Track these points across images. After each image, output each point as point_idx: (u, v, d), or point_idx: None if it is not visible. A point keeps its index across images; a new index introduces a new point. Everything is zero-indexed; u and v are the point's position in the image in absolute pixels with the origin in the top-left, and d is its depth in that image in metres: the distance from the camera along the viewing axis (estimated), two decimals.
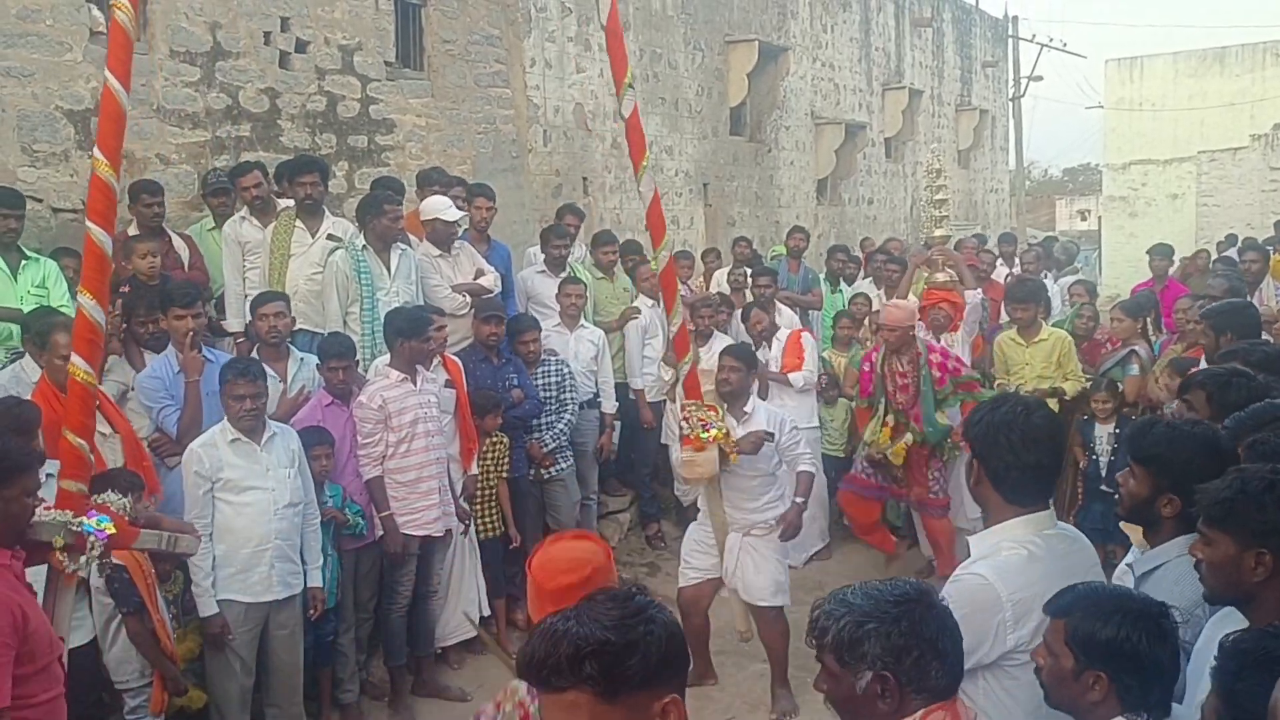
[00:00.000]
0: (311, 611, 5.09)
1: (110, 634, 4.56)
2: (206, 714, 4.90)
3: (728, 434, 5.49)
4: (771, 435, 5.61)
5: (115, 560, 4.38)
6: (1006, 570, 2.55)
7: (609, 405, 7.53)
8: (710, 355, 6.88)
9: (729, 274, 9.46)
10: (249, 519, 4.78)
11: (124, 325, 5.48)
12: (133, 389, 5.31)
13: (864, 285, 9.62)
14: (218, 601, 4.73)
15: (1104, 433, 7.05)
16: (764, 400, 6.57)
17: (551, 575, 2.49)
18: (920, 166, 16.62)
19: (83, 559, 3.53)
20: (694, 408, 5.53)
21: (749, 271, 9.26)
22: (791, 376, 7.73)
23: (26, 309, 5.36)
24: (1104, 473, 6.92)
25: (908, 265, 8.69)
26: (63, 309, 5.38)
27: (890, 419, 6.95)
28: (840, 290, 9.64)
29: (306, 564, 5.02)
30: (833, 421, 8.26)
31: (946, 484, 7.04)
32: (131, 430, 4.97)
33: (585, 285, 7.48)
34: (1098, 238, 27.40)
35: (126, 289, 5.63)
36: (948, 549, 6.98)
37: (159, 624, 4.50)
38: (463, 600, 6.06)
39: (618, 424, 7.73)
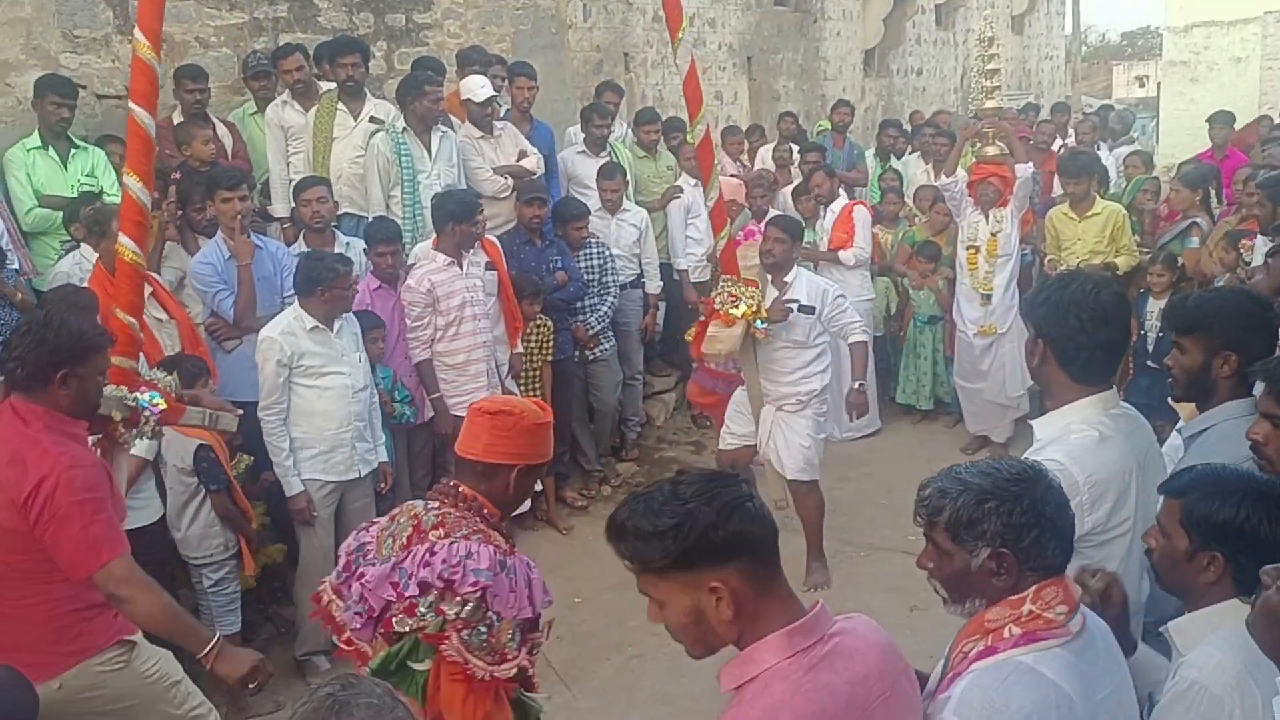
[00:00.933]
0: (382, 486, 5.28)
1: (190, 512, 4.74)
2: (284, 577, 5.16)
3: (759, 310, 5.49)
4: (797, 303, 5.56)
5: (200, 440, 4.57)
6: (1080, 452, 2.52)
7: (653, 285, 7.53)
8: None
9: (774, 150, 9.31)
10: (329, 402, 4.92)
11: (179, 212, 5.54)
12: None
13: (912, 160, 9.42)
14: (301, 480, 4.91)
15: (1156, 308, 6.95)
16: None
17: (479, 402, 2.84)
18: (972, 34, 16.04)
19: (135, 432, 3.67)
20: (729, 283, 5.55)
21: (795, 147, 9.11)
22: (841, 255, 7.67)
23: (75, 197, 5.43)
24: (1150, 348, 6.86)
25: (956, 139, 8.50)
26: (111, 197, 5.45)
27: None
28: (890, 165, 9.46)
29: (375, 443, 5.20)
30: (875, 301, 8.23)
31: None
32: (187, 316, 5.07)
33: (623, 174, 7.39)
34: (1156, 105, 26.48)
35: (178, 176, 5.68)
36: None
37: (240, 497, 4.69)
38: None
39: (662, 304, 7.75)
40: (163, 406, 3.70)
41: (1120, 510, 2.48)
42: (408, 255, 5.89)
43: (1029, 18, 20.18)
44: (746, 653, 1.84)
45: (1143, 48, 43.50)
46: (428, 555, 2.57)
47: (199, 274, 5.28)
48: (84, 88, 6.12)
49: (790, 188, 8.41)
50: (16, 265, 5.13)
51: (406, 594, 2.56)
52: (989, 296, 7.41)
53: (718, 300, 5.56)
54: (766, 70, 12.43)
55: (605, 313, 6.86)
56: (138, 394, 3.66)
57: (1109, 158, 10.19)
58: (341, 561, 2.76)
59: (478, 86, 6.58)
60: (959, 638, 2.07)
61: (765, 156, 9.35)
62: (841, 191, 8.25)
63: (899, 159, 9.66)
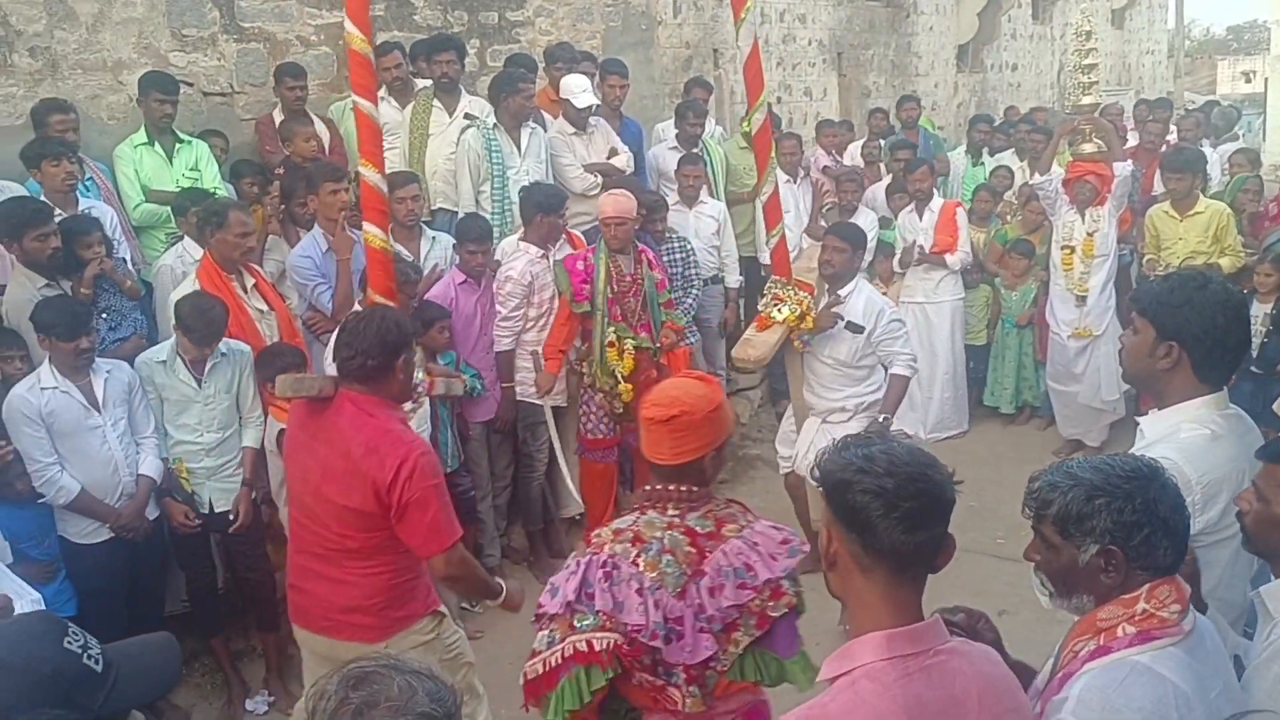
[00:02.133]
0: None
1: (284, 495, 4.87)
2: None
3: (803, 318, 5.20)
4: (841, 319, 5.21)
5: (284, 425, 4.72)
6: (1193, 451, 2.47)
7: (732, 280, 7.51)
8: None
9: (863, 147, 9.22)
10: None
11: (282, 206, 5.70)
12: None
13: (1007, 157, 9.26)
14: None
15: (1260, 311, 6.72)
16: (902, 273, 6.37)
17: (645, 406, 2.72)
18: (1069, 28, 15.66)
19: (410, 406, 4.03)
20: (778, 284, 5.33)
21: (885, 144, 9.02)
22: (948, 259, 7.58)
23: (180, 191, 5.63)
24: (1255, 353, 6.63)
25: (1052, 135, 8.31)
26: (214, 190, 5.64)
27: (612, 334, 5.67)
28: (982, 163, 9.30)
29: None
30: (971, 307, 8.10)
31: None
32: (286, 308, 5.21)
33: (705, 164, 7.38)
34: (1263, 101, 25.54)
35: (281, 171, 5.84)
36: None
37: None
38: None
39: (742, 299, 7.72)
40: (426, 380, 4.01)
41: (1231, 512, 2.42)
42: (496, 249, 5.99)
43: (1129, 12, 19.63)
44: (846, 647, 1.84)
45: (1249, 42, 41.94)
46: (751, 548, 2.65)
47: (298, 267, 5.42)
48: (190, 85, 6.34)
49: (880, 184, 8.33)
50: (126, 255, 5.34)
51: (756, 587, 2.62)
52: (1084, 298, 7.24)
53: (761, 302, 5.38)
54: (857, 66, 12.31)
55: (689, 305, 6.88)
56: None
57: (1213, 155, 9.86)
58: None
59: (579, 90, 6.62)
60: (1069, 637, 2.05)
61: (855, 153, 9.26)
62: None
63: (991, 155, 9.49)
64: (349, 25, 4.01)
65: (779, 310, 5.21)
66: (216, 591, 5.07)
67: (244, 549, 4.93)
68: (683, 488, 2.69)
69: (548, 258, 5.69)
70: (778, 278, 5.41)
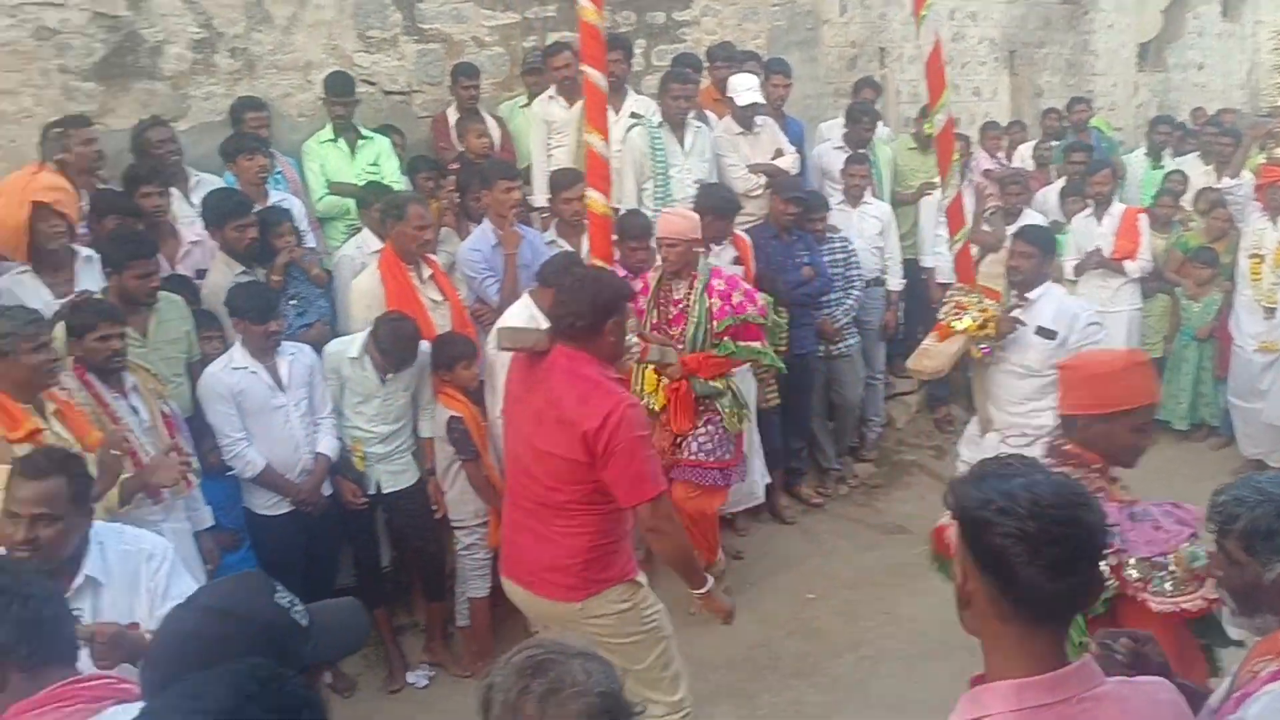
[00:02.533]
0: None
1: (450, 477, 5.10)
2: None
3: (985, 326, 4.96)
4: (1020, 324, 4.95)
5: (453, 412, 4.91)
6: None
7: (895, 282, 7.39)
8: None
9: (1034, 148, 8.93)
10: None
11: (458, 200, 5.92)
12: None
13: (1190, 161, 8.82)
14: None
15: None
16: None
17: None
18: (1263, 26, 14.77)
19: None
20: (959, 291, 5.16)
21: (1058, 146, 8.72)
22: (1128, 266, 7.30)
23: (361, 185, 5.91)
24: None
25: (1242, 138, 7.88)
26: (393, 184, 5.89)
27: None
28: (1162, 166, 8.88)
29: None
30: (1149, 317, 7.75)
31: (723, 444, 5.41)
32: (459, 299, 5.41)
33: (871, 164, 7.28)
34: None
35: (456, 166, 6.07)
36: (709, 538, 5.48)
37: (490, 470, 4.98)
38: (751, 470, 6.26)
39: (903, 302, 7.59)
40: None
41: None
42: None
43: None
44: (976, 692, 1.74)
45: None
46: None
47: (468, 259, 5.61)
48: (373, 84, 6.64)
49: (1053, 187, 8.06)
50: (313, 244, 5.65)
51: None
52: (1273, 310, 6.85)
53: (942, 310, 5.17)
54: (1030, 65, 11.90)
55: (850, 306, 6.82)
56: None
57: None
58: None
59: (742, 89, 6.65)
60: (1249, 656, 1.97)
61: (1025, 154, 8.98)
62: None
63: (1173, 158, 9.05)
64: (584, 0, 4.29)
65: (960, 319, 5.02)
66: (380, 567, 5.31)
67: (418, 524, 5.15)
68: (1080, 449, 2.89)
69: (706, 255, 5.72)
70: (961, 285, 5.24)
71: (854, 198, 7.14)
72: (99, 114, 5.62)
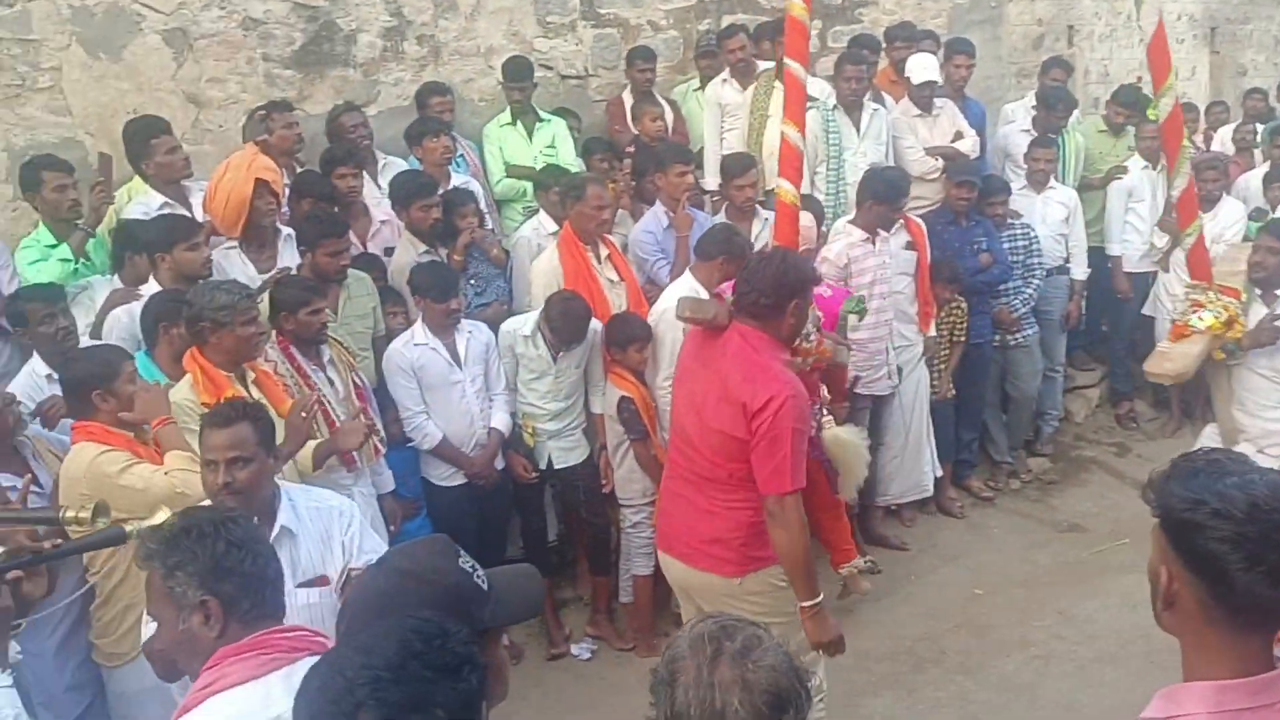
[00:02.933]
0: None
1: (619, 456, 5.20)
2: None
3: (1230, 324, 4.71)
4: None
5: (624, 393, 5.00)
6: None
7: (1079, 271, 7.07)
8: (1215, 223, 6.21)
9: (1235, 131, 8.39)
10: None
11: (633, 183, 6.01)
12: None
13: None
14: None
15: None
16: None
17: None
18: None
19: (799, 360, 4.08)
20: (1195, 289, 4.90)
21: (1262, 128, 8.16)
22: None
23: (539, 168, 6.06)
24: None
25: None
26: (569, 166, 6.01)
27: None
28: None
29: None
30: None
31: None
32: (635, 279, 5.48)
33: (1058, 148, 6.98)
34: None
35: (632, 149, 6.15)
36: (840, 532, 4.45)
37: (659, 449, 5.04)
38: (919, 460, 6.14)
39: (1086, 292, 7.27)
40: (816, 337, 4.12)
41: None
42: (828, 230, 5.99)
43: None
44: (1173, 690, 1.66)
45: None
46: None
47: (640, 241, 5.68)
48: (550, 69, 6.79)
49: (1255, 172, 7.55)
50: (492, 226, 5.83)
51: None
52: None
53: (1177, 310, 4.92)
54: (1233, 42, 11.18)
55: (1029, 296, 6.58)
56: None
57: None
58: None
59: (919, 67, 6.52)
60: None
61: (1225, 137, 8.45)
62: None
63: None
64: None
65: (1199, 318, 4.78)
66: (547, 541, 5.46)
67: (588, 498, 5.28)
68: None
69: (873, 243, 5.62)
70: (1197, 282, 4.99)
71: (1039, 183, 6.87)
72: (297, 100, 5.95)
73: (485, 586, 1.88)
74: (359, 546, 3.17)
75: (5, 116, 5.37)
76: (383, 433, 4.66)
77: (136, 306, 4.34)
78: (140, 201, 5.04)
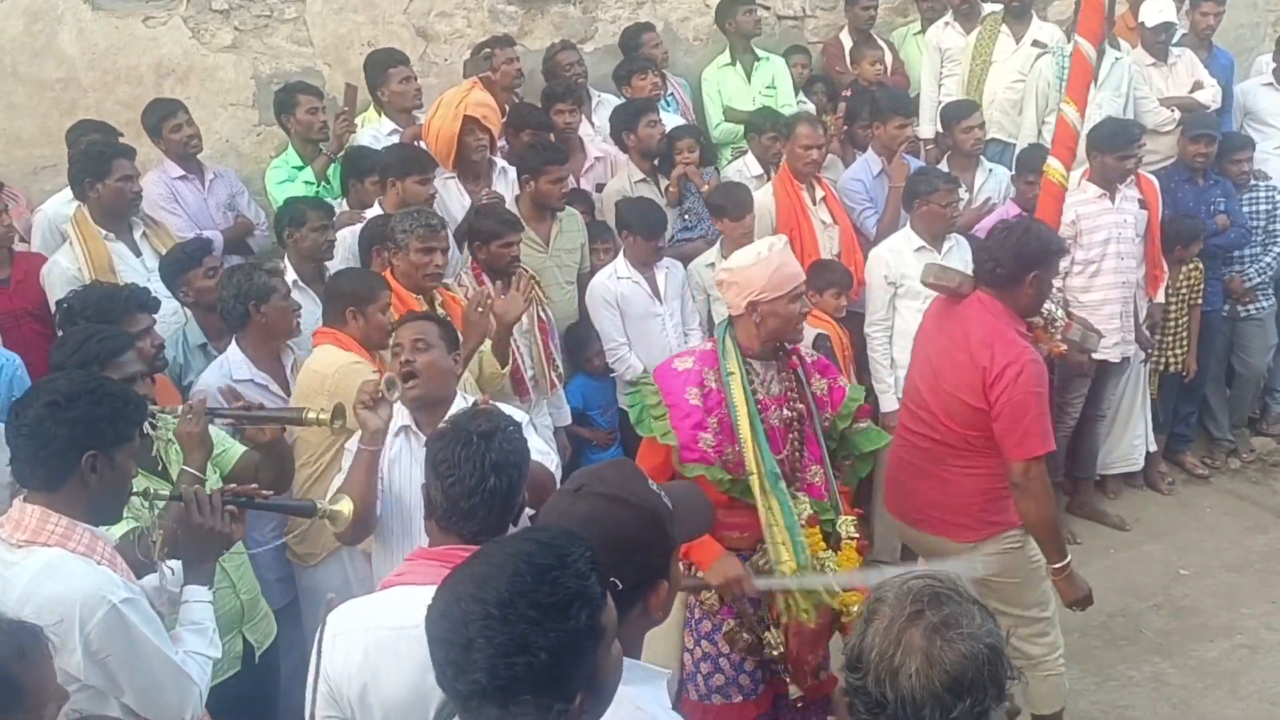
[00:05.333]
0: None
1: None
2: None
3: None
4: None
5: (820, 330, 4.96)
6: None
7: None
8: None
9: None
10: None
11: (845, 127, 5.91)
12: None
13: None
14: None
15: None
16: None
17: None
18: None
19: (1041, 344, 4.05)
20: None
21: None
22: None
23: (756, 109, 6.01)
24: None
25: None
26: (786, 108, 5.95)
27: (806, 503, 3.28)
28: None
29: None
30: None
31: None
32: (850, 223, 5.41)
33: None
34: None
35: (849, 93, 6.04)
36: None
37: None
38: (1130, 431, 5.85)
39: None
40: (1063, 320, 4.13)
41: None
42: None
43: None
44: None
45: None
46: None
47: (849, 189, 5.58)
48: (768, 9, 6.71)
49: None
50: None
51: None
52: None
53: None
54: None
55: (1268, 264, 6.10)
56: (1049, 306, 4.05)
57: None
58: None
59: (1155, 10, 6.10)
60: None
61: None
62: None
63: None
64: None
65: None
66: None
67: None
68: None
69: (1111, 198, 5.32)
70: None
71: None
72: (519, 35, 6.12)
73: (670, 505, 1.94)
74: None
75: (254, 46, 5.75)
76: (560, 368, 4.78)
77: (360, 229, 4.61)
78: (370, 129, 5.33)
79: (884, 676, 1.57)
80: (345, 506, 2.75)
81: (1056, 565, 3.59)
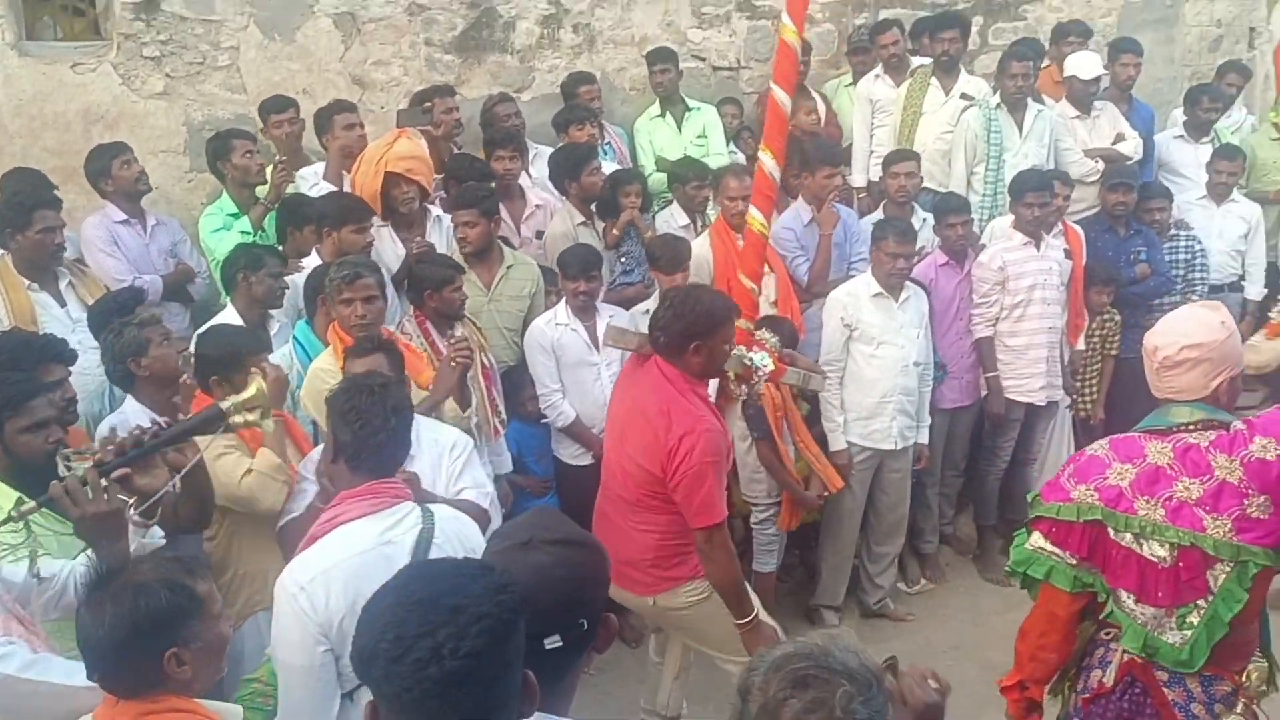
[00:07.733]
0: (918, 464, 5.39)
1: (740, 453, 5.15)
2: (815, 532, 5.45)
3: None
4: None
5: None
6: None
7: (1254, 290, 6.64)
8: None
9: None
10: (879, 370, 5.07)
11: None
12: None
13: None
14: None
15: None
16: None
17: None
18: None
19: (745, 388, 4.10)
20: None
21: None
22: None
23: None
24: None
25: None
26: (717, 157, 6.02)
27: None
28: None
29: (919, 421, 5.27)
30: None
31: None
32: (785, 271, 5.45)
33: (1244, 158, 6.61)
34: None
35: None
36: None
37: (784, 452, 5.00)
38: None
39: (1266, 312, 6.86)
40: (771, 368, 4.11)
41: None
42: (981, 232, 5.85)
43: None
44: None
45: None
46: None
47: (780, 238, 5.58)
48: (702, 60, 6.82)
49: None
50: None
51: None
52: None
53: (1275, 309, 5.03)
54: None
55: None
56: (752, 354, 4.11)
57: None
58: None
59: (1089, 64, 6.31)
60: None
61: None
62: None
63: None
64: (785, 19, 4.25)
65: None
66: None
67: None
68: None
69: (1036, 246, 5.45)
70: None
71: (1220, 195, 6.48)
72: (456, 84, 6.15)
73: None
74: (458, 475, 3.50)
75: (186, 92, 5.72)
76: (504, 415, 4.77)
77: (299, 278, 4.57)
78: (305, 175, 5.31)
79: None
80: (253, 386, 2.71)
81: (741, 622, 3.60)
